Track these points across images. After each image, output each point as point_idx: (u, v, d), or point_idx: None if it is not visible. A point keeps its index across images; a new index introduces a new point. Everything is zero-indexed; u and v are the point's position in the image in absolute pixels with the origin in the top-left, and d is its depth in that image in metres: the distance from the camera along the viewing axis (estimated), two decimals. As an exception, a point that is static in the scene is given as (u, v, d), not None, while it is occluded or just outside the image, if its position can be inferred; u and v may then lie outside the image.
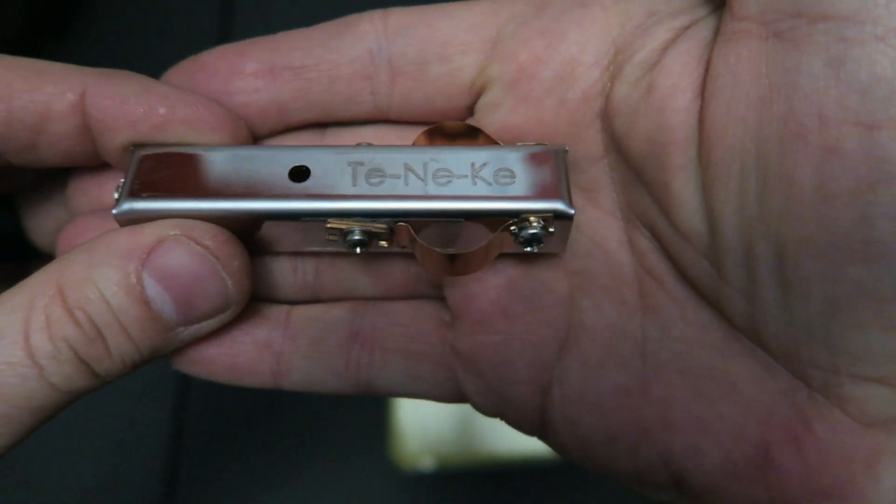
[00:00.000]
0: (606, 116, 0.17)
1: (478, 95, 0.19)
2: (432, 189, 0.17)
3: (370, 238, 0.17)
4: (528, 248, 0.17)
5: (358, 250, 0.17)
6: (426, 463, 0.43)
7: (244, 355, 0.18)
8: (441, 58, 0.18)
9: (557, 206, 0.16)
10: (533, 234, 0.16)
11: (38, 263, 0.22)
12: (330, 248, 0.18)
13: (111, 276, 0.15)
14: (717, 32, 0.15)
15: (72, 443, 0.41)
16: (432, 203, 0.17)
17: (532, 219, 0.16)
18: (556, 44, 0.18)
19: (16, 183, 0.20)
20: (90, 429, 0.41)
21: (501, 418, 0.18)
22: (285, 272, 0.19)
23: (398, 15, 0.18)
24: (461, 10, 0.18)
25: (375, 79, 0.18)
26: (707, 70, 0.15)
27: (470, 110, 0.19)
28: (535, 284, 0.18)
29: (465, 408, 0.48)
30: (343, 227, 0.17)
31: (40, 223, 0.21)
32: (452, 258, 0.17)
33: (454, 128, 0.18)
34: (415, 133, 0.19)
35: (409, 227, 0.17)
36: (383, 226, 0.17)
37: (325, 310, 0.19)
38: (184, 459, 0.43)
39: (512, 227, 0.17)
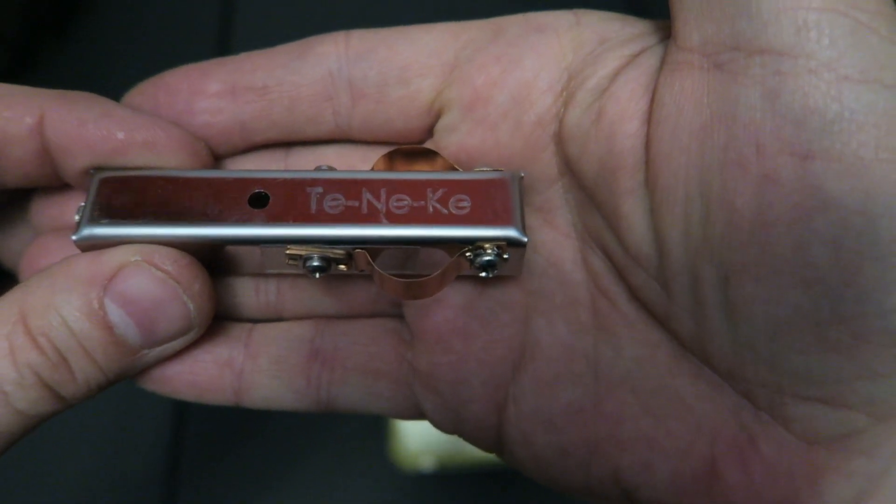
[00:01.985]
0: (560, 140, 0.18)
1: (436, 117, 0.19)
2: (389, 216, 0.17)
3: (329, 263, 0.17)
4: (484, 274, 0.17)
5: (317, 275, 0.17)
6: (426, 463, 0.43)
7: (205, 373, 0.18)
8: (401, 81, 0.18)
9: (511, 233, 0.17)
10: (487, 260, 0.17)
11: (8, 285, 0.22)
12: (290, 272, 0.18)
13: (73, 303, 0.15)
14: (663, 62, 0.16)
15: (72, 443, 0.41)
16: (389, 230, 0.17)
17: (487, 246, 0.17)
18: (511, 69, 0.18)
19: None
20: (91, 429, 0.41)
21: (459, 435, 0.19)
22: (248, 291, 0.19)
23: (359, 37, 0.19)
24: (421, 34, 0.19)
25: (337, 100, 0.19)
26: (653, 98, 0.16)
27: (429, 131, 0.19)
28: (491, 304, 0.18)
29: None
30: (302, 252, 0.17)
31: (6, 244, 0.21)
32: (409, 284, 0.17)
33: (412, 151, 0.18)
34: (377, 153, 0.19)
35: (367, 254, 0.17)
36: (342, 251, 0.17)
37: (287, 328, 0.19)
38: (184, 459, 0.43)
39: (467, 254, 0.17)
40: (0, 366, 0.15)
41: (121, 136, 0.17)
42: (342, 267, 0.17)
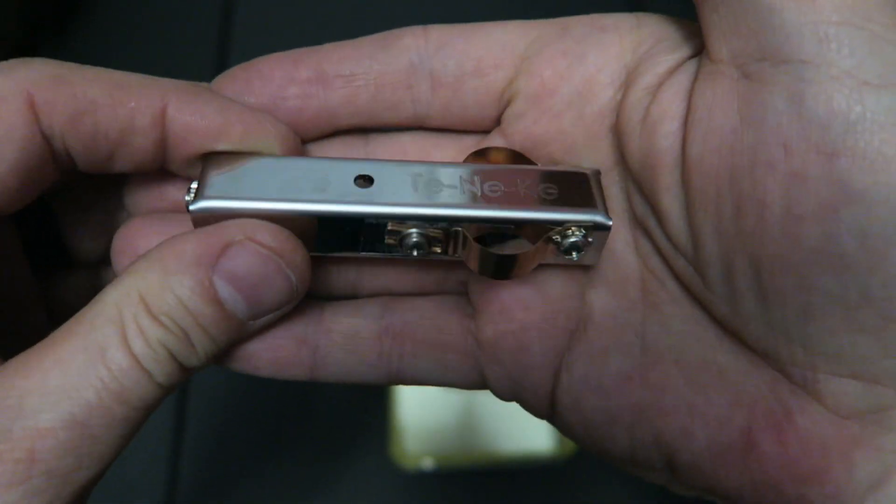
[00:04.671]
0: (616, 132, 0.19)
1: (505, 106, 0.20)
2: (486, 199, 0.18)
3: (427, 242, 0.18)
4: (569, 257, 0.18)
5: (415, 253, 0.18)
6: (426, 462, 0.43)
7: (284, 349, 0.19)
8: (477, 71, 0.20)
9: (598, 217, 0.18)
10: (574, 242, 0.18)
11: (73, 272, 0.22)
12: (383, 254, 0.19)
13: (186, 283, 0.17)
14: (697, 71, 0.17)
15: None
16: (487, 211, 0.18)
17: (574, 229, 0.18)
18: (576, 64, 0.19)
19: (54, 189, 0.21)
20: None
21: (517, 402, 0.20)
22: (330, 270, 0.21)
23: (438, 31, 0.20)
24: (495, 29, 0.20)
25: (417, 88, 0.20)
26: (689, 102, 0.17)
27: (497, 120, 0.21)
28: (550, 279, 0.20)
29: (466, 408, 0.48)
30: (403, 230, 0.18)
31: (77, 230, 0.22)
32: (502, 264, 0.18)
33: (497, 154, 0.20)
34: (448, 140, 0.21)
35: (465, 232, 0.18)
36: (439, 231, 0.18)
37: (357, 305, 0.20)
38: (185, 459, 0.43)
39: (555, 237, 0.18)
40: (136, 345, 0.16)
41: (239, 128, 0.18)
42: (436, 249, 0.19)
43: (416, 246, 0.18)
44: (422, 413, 0.44)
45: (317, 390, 0.45)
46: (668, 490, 0.19)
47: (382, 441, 0.43)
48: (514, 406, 0.21)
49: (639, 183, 0.18)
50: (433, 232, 0.18)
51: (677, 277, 0.18)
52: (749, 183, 0.15)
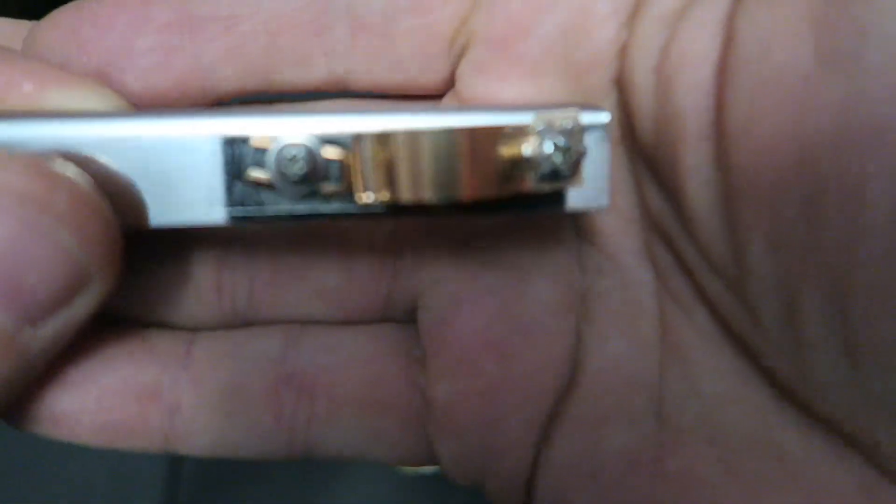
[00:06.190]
0: (621, 86, 0.13)
1: (459, 56, 0.14)
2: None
3: (317, 170, 0.12)
4: (549, 183, 0.11)
5: (302, 189, 0.12)
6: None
7: (120, 410, 0.13)
8: (415, 7, 0.13)
9: (581, 114, 0.11)
10: (548, 156, 0.11)
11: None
12: (248, 210, 0.12)
13: None
14: None
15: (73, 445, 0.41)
16: (411, 115, 0.12)
17: (559, 119, 0.11)
18: None
19: None
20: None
21: (480, 489, 0.14)
22: (206, 291, 0.14)
23: None
24: None
25: (330, 34, 0.14)
26: (730, 35, 0.11)
27: (451, 80, 0.14)
28: (536, 309, 0.14)
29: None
30: (269, 147, 0.11)
31: None
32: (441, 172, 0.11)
33: None
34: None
35: (374, 139, 0.11)
36: (337, 152, 0.12)
37: (245, 339, 0.14)
38: (185, 459, 0.43)
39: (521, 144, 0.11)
40: None
41: (28, 87, 0.12)
42: (330, 187, 0.12)
43: (304, 179, 0.12)
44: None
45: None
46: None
47: (382, 442, 0.44)
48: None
49: (653, 163, 0.12)
50: (331, 153, 0.12)
51: (711, 308, 0.12)
52: (834, 165, 0.10)
